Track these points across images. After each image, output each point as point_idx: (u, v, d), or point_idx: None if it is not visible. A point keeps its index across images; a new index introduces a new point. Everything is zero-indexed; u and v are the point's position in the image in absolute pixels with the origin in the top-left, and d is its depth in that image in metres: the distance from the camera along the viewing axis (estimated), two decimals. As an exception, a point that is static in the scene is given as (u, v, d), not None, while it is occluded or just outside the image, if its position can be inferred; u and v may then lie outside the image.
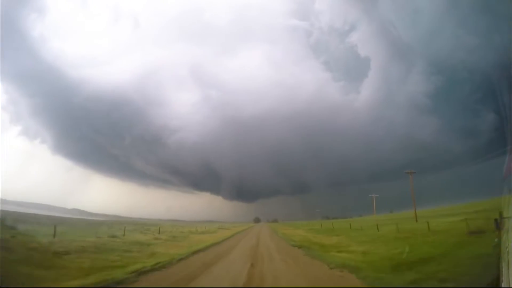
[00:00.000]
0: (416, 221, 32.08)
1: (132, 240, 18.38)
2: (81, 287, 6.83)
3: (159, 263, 10.86)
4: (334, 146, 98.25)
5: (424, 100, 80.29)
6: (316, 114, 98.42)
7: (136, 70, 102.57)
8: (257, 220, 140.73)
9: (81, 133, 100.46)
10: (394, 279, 7.63)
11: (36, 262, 8.69)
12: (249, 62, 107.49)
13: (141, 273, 9.04)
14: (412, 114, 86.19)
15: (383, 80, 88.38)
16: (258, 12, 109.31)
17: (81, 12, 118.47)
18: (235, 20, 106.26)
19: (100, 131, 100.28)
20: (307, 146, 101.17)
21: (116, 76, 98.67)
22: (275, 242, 21.98)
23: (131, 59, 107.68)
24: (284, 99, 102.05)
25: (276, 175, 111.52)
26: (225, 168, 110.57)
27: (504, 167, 5.33)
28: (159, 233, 28.14)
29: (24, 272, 7.32)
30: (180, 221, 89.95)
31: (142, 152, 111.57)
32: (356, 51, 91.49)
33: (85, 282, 7.28)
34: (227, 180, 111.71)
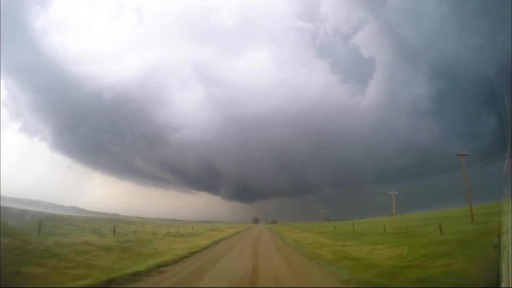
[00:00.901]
0: (472, 219, 25.84)
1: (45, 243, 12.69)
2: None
3: None
4: (337, 147, 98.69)
5: (427, 103, 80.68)
6: (320, 115, 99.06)
7: (139, 67, 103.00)
8: (255, 221, 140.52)
9: (81, 131, 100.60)
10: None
11: None
12: (254, 61, 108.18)
13: None
14: (415, 116, 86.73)
15: (387, 82, 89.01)
16: (264, 13, 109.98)
17: (85, 7, 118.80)
18: (241, 20, 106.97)
19: (100, 128, 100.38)
20: (310, 146, 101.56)
21: (118, 73, 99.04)
22: (296, 267, 10.86)
23: (134, 56, 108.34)
24: (288, 99, 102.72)
25: (278, 175, 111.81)
26: (226, 167, 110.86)
27: (503, 169, 5.35)
28: (113, 234, 20.94)
29: None
30: (178, 221, 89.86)
31: (142, 151, 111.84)
32: (362, 53, 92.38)
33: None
34: (228, 179, 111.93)
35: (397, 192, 49.31)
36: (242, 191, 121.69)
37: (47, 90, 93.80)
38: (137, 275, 8.90)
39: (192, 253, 14.31)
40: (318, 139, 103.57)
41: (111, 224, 36.72)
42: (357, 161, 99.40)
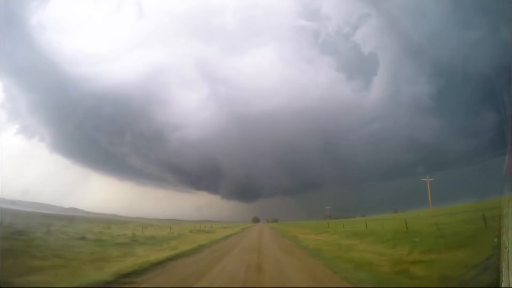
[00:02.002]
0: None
1: None
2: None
3: None
4: (342, 144, 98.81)
5: (429, 101, 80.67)
6: (325, 112, 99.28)
7: (141, 66, 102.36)
8: (256, 220, 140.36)
9: (80, 131, 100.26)
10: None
11: None
12: (258, 60, 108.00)
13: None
14: (417, 113, 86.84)
15: (392, 79, 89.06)
16: (266, 11, 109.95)
17: (85, 5, 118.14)
18: (244, 19, 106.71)
19: (99, 129, 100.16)
20: (313, 144, 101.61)
21: (119, 72, 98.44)
22: None
23: (135, 54, 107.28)
24: (293, 97, 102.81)
25: (280, 174, 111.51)
26: (227, 166, 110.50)
27: (504, 167, 5.30)
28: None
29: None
30: (177, 221, 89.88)
31: (142, 151, 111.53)
32: (366, 49, 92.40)
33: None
34: (228, 179, 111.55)
35: (432, 179, 38.94)
36: (243, 190, 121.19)
37: (45, 90, 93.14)
38: None
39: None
40: (323, 136, 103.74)
41: (89, 224, 31.25)
42: (361, 158, 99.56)
